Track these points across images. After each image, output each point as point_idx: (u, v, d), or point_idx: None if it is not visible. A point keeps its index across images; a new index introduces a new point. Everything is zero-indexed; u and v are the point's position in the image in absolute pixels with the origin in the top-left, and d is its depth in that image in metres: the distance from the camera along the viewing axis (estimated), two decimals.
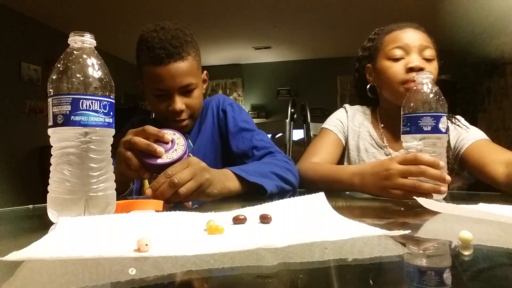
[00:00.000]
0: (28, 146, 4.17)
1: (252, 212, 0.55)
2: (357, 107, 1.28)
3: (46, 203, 0.54)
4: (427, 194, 0.75)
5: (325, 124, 1.25)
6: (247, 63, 6.63)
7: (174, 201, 0.70)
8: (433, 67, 1.06)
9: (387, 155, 1.15)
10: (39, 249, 0.37)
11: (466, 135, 1.10)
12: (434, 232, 0.52)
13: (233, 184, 0.81)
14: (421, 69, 1.03)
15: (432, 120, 0.78)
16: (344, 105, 1.30)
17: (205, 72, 1.16)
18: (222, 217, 0.53)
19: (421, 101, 0.80)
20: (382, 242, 0.41)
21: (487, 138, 1.09)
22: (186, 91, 1.05)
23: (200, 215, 0.54)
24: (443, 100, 0.80)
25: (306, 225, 0.51)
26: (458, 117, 1.18)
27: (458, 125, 1.13)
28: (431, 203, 0.63)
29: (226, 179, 0.80)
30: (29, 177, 4.10)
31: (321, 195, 0.62)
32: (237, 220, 0.50)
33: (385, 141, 1.17)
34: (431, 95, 0.80)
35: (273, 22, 4.73)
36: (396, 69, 1.07)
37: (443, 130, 0.79)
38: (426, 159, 0.76)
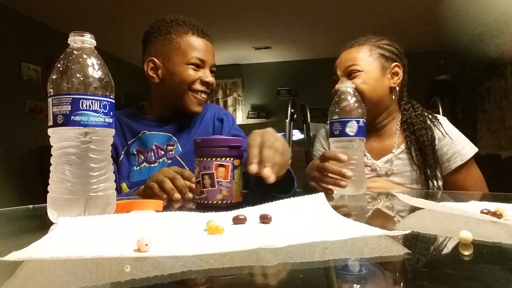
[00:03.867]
0: (28, 146, 4.16)
1: (252, 212, 0.55)
2: None
3: (46, 203, 0.54)
4: (329, 186, 0.88)
5: (314, 153, 1.36)
6: (247, 63, 6.62)
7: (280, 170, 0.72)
8: (358, 79, 1.14)
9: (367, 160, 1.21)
10: (39, 249, 0.37)
11: (455, 148, 1.13)
12: (413, 226, 0.52)
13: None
14: None
15: (339, 125, 0.89)
16: (325, 125, 1.39)
17: None
18: (222, 217, 0.53)
19: (332, 109, 0.93)
20: (382, 242, 0.41)
21: (474, 151, 1.13)
22: (211, 70, 1.17)
23: (200, 215, 0.54)
24: (351, 106, 0.91)
25: (306, 225, 0.51)
26: (440, 119, 1.19)
27: (442, 131, 1.15)
28: (410, 199, 0.67)
29: None
30: (29, 177, 4.10)
31: (321, 195, 0.62)
32: (237, 220, 0.50)
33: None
34: (340, 103, 0.91)
35: (273, 22, 4.73)
36: (332, 93, 1.20)
37: (351, 134, 0.89)
38: (329, 154, 0.89)
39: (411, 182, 1.13)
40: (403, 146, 1.17)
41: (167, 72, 1.13)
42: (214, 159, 0.69)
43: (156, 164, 1.14)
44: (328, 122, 0.95)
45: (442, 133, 1.14)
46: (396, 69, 1.19)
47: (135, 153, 1.14)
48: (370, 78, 1.15)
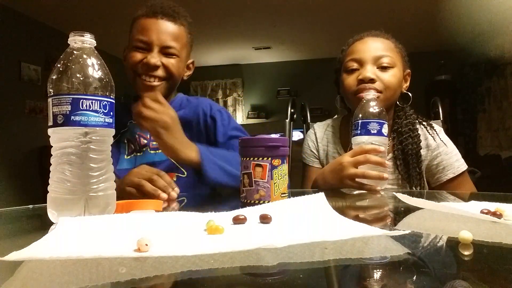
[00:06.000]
0: (28, 146, 4.16)
1: (252, 212, 0.55)
2: (328, 121, 1.31)
3: (46, 203, 0.54)
4: (373, 185, 0.93)
5: (303, 156, 1.30)
6: (247, 63, 6.62)
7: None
8: (390, 74, 1.09)
9: None
10: (39, 249, 0.37)
11: (449, 161, 1.10)
12: (413, 226, 0.52)
13: (188, 154, 0.88)
14: (371, 80, 1.07)
15: (377, 125, 0.95)
16: (313, 125, 1.34)
17: (192, 60, 1.18)
18: (222, 217, 0.52)
19: (369, 111, 0.96)
20: (382, 242, 0.41)
21: (465, 167, 1.10)
22: (166, 53, 1.05)
23: (200, 215, 0.54)
24: (384, 112, 0.98)
25: (306, 225, 0.51)
26: (437, 128, 1.15)
27: (437, 140, 1.11)
28: (410, 199, 0.66)
29: (185, 147, 0.88)
30: (29, 177, 4.09)
31: (321, 195, 0.62)
32: (237, 220, 0.50)
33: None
34: (376, 107, 0.97)
35: (273, 22, 4.73)
36: (350, 81, 1.12)
37: (385, 134, 0.96)
38: (370, 147, 0.93)
39: (396, 190, 1.11)
40: (391, 154, 1.13)
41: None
42: (252, 158, 0.70)
43: (140, 154, 1.11)
44: (360, 121, 0.96)
45: (437, 142, 1.11)
46: (407, 76, 1.18)
47: (125, 142, 1.12)
48: (399, 77, 1.11)
